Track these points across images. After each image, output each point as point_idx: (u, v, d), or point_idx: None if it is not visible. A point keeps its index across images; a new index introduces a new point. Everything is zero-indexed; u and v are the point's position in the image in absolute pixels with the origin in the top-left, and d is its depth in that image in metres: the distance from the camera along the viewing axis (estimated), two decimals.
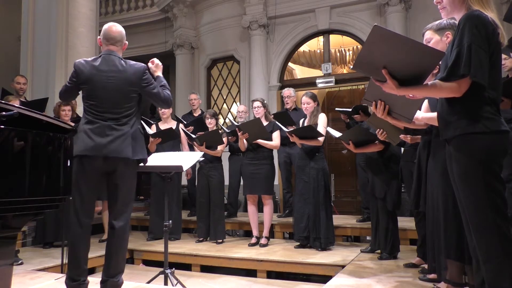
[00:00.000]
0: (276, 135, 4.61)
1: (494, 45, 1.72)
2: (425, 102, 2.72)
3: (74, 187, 2.46)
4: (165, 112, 5.04)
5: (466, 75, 1.67)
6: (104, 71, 2.59)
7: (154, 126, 5.08)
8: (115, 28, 2.70)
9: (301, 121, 4.57)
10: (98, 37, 2.75)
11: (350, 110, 4.60)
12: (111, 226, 2.60)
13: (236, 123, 4.69)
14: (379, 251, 3.90)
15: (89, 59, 2.68)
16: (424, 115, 2.44)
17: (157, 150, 4.56)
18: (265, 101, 4.84)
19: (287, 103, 5.60)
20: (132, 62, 2.68)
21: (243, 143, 4.59)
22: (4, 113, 1.58)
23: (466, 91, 1.72)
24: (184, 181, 6.06)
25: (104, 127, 2.52)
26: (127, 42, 2.78)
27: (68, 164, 1.91)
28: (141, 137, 2.65)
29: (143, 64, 2.70)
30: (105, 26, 2.71)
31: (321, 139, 4.17)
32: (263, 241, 4.61)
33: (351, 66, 1.96)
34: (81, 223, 2.55)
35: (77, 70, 2.62)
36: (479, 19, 1.70)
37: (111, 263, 2.57)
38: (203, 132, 4.83)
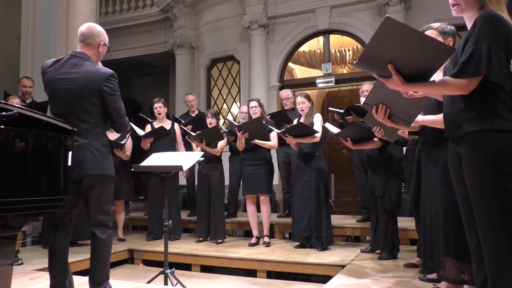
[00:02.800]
0: (273, 135, 4.61)
1: (510, 45, 1.71)
2: None
3: None
4: (160, 111, 5.05)
5: (480, 74, 1.67)
6: (66, 73, 2.42)
7: (149, 126, 5.09)
8: (87, 26, 2.52)
9: (295, 120, 4.57)
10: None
11: (342, 111, 4.60)
12: (92, 233, 2.48)
13: (235, 123, 4.69)
14: (379, 251, 3.90)
15: (52, 60, 2.51)
16: (425, 117, 2.44)
17: (151, 150, 4.58)
18: (261, 101, 4.84)
19: (286, 104, 5.61)
20: (100, 66, 2.47)
21: (241, 143, 4.59)
22: (4, 113, 1.58)
23: (482, 90, 1.71)
24: (184, 181, 6.07)
25: None
26: (105, 44, 2.54)
27: (68, 164, 1.91)
28: (96, 151, 2.40)
29: (111, 70, 2.46)
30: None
31: (317, 135, 4.17)
32: (265, 239, 4.62)
33: (355, 62, 1.93)
34: (54, 234, 2.43)
35: (42, 69, 2.49)
36: (497, 20, 1.69)
37: (95, 272, 2.47)
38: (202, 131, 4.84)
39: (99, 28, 2.55)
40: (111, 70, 2.47)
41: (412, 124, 2.47)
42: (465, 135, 1.75)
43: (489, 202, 1.69)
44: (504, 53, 1.68)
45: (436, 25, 2.40)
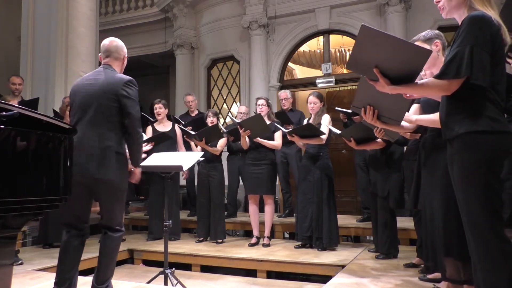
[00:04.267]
0: (278, 135, 4.60)
1: (498, 45, 1.72)
2: (415, 106, 2.75)
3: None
4: (160, 113, 5.06)
5: (462, 76, 1.68)
6: (88, 80, 2.57)
7: (150, 128, 5.09)
8: (110, 40, 2.68)
9: (305, 120, 4.56)
10: (99, 54, 2.72)
11: (350, 111, 4.59)
12: (104, 232, 2.56)
13: (236, 120, 4.67)
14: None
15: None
16: (419, 117, 2.46)
17: (152, 151, 4.57)
18: (270, 101, 4.83)
19: (284, 105, 5.62)
20: (118, 74, 2.58)
21: (245, 141, 4.54)
22: (4, 113, 1.58)
23: (470, 91, 1.72)
24: (183, 181, 6.06)
25: (78, 138, 2.40)
26: (126, 55, 2.71)
27: (68, 164, 1.91)
28: (111, 156, 2.46)
29: (130, 77, 2.59)
30: (103, 41, 2.69)
31: (323, 137, 4.14)
32: (265, 241, 4.61)
33: (346, 66, 2.03)
34: (68, 231, 2.51)
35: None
36: (483, 21, 1.69)
37: (101, 268, 2.53)
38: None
39: (121, 43, 2.70)
40: (130, 77, 2.58)
41: (407, 124, 2.49)
42: (457, 137, 1.76)
43: (477, 202, 1.69)
44: (488, 54, 1.68)
45: (417, 36, 2.46)
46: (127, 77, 2.56)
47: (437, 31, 2.42)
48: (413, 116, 2.46)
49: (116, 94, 2.49)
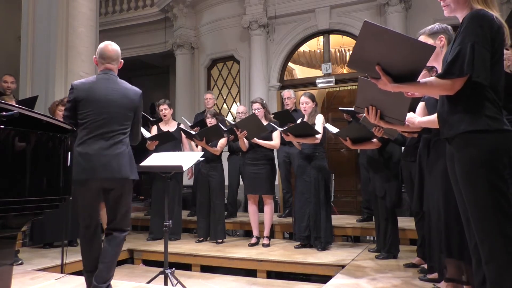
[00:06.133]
0: (276, 135, 4.60)
1: (498, 44, 1.71)
2: (421, 105, 2.73)
3: (74, 199, 2.48)
4: (166, 113, 5.06)
5: (465, 74, 1.67)
6: (103, 88, 2.61)
7: (155, 127, 5.09)
8: (111, 47, 2.69)
9: (298, 120, 4.57)
10: (94, 56, 2.74)
11: (353, 109, 4.59)
12: (109, 233, 2.64)
13: (232, 122, 4.67)
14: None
15: (86, 79, 2.73)
16: (421, 119, 2.45)
17: (158, 151, 4.57)
18: (264, 102, 4.84)
19: (287, 104, 5.60)
20: (129, 85, 2.74)
21: (243, 142, 4.56)
22: (4, 113, 1.58)
23: (468, 90, 1.71)
24: (187, 181, 6.06)
25: (99, 145, 2.52)
26: (122, 60, 2.78)
27: (68, 164, 1.91)
28: (132, 157, 2.68)
29: (139, 89, 2.79)
30: (101, 45, 2.70)
31: (318, 136, 4.15)
32: (265, 241, 4.61)
33: (347, 65, 2.00)
34: (84, 226, 2.63)
35: (74, 88, 2.60)
36: (484, 19, 1.69)
37: (103, 269, 2.57)
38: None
39: (118, 47, 2.76)
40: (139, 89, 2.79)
41: (411, 126, 2.48)
42: (456, 136, 1.76)
43: (482, 202, 1.68)
44: (488, 52, 1.68)
45: (423, 30, 2.40)
46: (140, 91, 2.77)
47: (444, 25, 2.35)
48: (416, 118, 2.45)
49: (135, 105, 2.70)
